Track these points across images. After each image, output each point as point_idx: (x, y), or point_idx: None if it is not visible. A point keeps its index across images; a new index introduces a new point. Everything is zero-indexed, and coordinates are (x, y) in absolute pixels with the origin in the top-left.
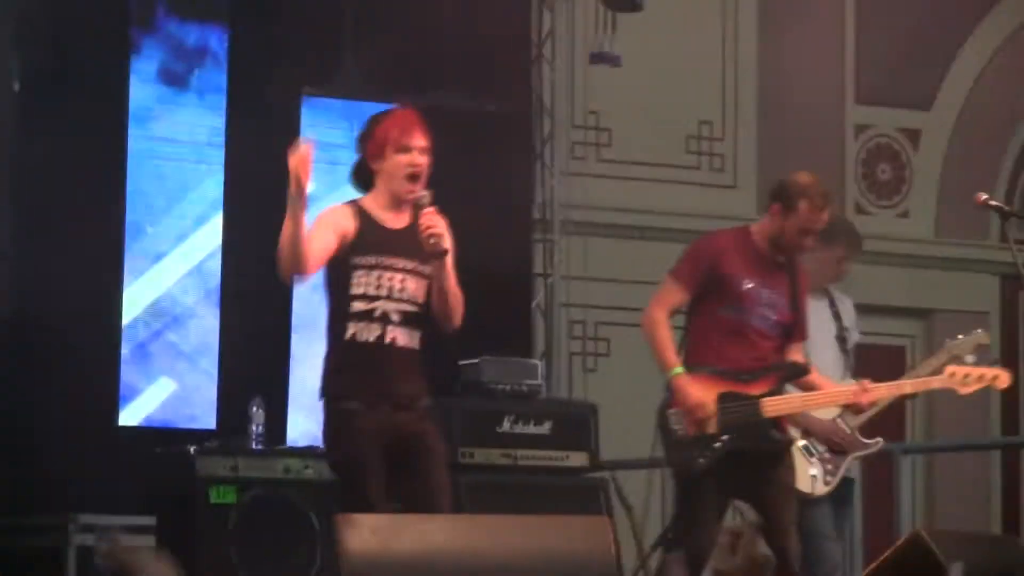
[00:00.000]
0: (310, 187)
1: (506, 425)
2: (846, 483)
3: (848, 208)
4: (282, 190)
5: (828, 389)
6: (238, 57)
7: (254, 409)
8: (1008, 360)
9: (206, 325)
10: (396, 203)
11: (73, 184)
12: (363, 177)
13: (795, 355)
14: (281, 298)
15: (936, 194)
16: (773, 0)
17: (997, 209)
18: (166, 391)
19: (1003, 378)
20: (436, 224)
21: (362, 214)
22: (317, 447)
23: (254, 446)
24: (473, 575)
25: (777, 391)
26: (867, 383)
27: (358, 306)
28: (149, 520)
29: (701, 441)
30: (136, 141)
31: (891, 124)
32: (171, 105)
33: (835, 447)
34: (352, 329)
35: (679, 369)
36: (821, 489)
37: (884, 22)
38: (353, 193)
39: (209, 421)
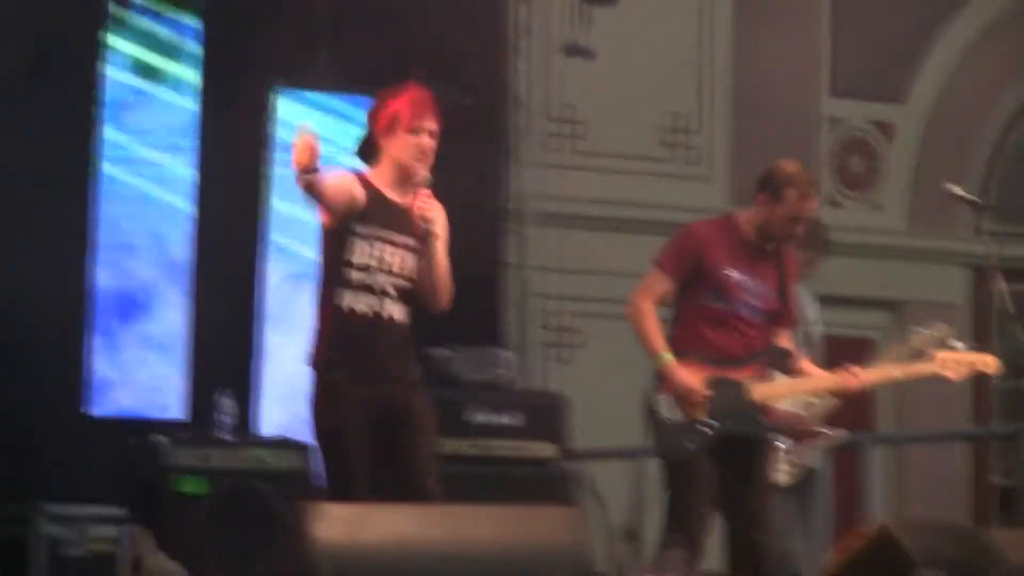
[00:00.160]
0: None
1: (478, 416)
2: (809, 474)
3: (821, 201)
4: (254, 182)
5: (816, 375)
6: (212, 49)
7: (224, 400)
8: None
9: (177, 316)
10: (399, 181)
11: (46, 176)
12: (369, 151)
13: (783, 342)
14: (251, 289)
15: (909, 187)
16: None
17: (969, 202)
18: (136, 381)
19: (992, 364)
20: (429, 207)
21: (368, 185)
22: (287, 438)
23: (223, 437)
24: (443, 565)
25: (765, 377)
26: (856, 369)
27: (355, 275)
28: (119, 511)
29: (690, 426)
30: (110, 133)
31: (865, 117)
32: (145, 97)
33: (797, 438)
34: (347, 299)
35: (668, 355)
36: (782, 480)
37: (858, 16)
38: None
39: (178, 412)
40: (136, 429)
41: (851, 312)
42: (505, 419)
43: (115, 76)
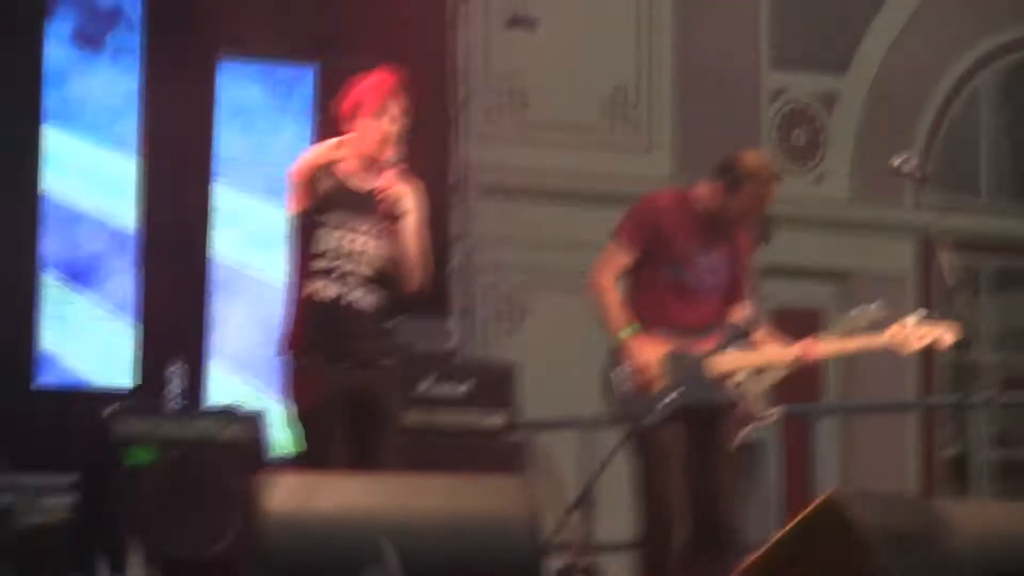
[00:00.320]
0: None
1: (424, 386)
2: (746, 450)
3: None
4: (198, 151)
5: (774, 347)
6: (153, 19)
7: (172, 370)
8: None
9: (124, 286)
10: (366, 165)
11: None
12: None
13: (740, 314)
14: (200, 259)
15: (851, 158)
16: None
17: (910, 176)
18: (86, 351)
19: (947, 337)
20: (396, 185)
21: (333, 174)
22: (236, 408)
23: (172, 407)
24: (392, 535)
25: (722, 349)
26: (812, 340)
27: (319, 264)
28: (67, 480)
29: (650, 398)
30: (51, 103)
31: (806, 89)
32: (85, 67)
33: (736, 424)
34: (311, 286)
35: (628, 330)
36: None
37: None
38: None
39: (127, 382)
40: (85, 399)
41: (798, 283)
42: (454, 389)
43: (58, 45)
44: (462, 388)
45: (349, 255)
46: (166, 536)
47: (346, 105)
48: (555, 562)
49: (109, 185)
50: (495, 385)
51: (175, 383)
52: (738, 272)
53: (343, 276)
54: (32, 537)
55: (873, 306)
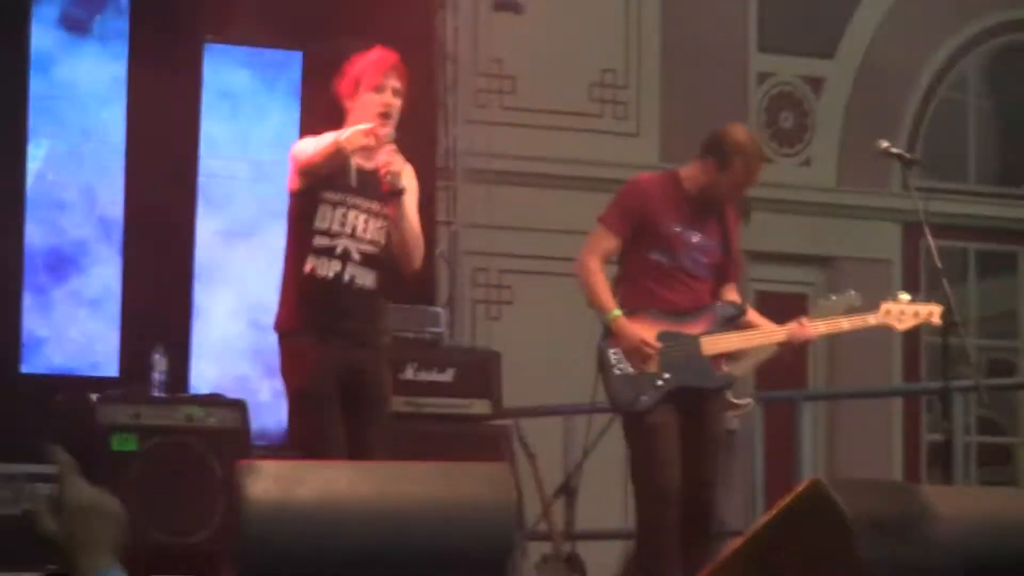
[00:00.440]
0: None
1: (409, 373)
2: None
3: None
4: (183, 137)
5: (765, 328)
6: (140, 3)
7: (156, 357)
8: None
9: (108, 272)
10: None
11: None
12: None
13: (730, 295)
14: (184, 246)
15: (838, 142)
16: None
17: (898, 157)
18: (69, 339)
19: (938, 314)
20: (394, 162)
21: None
22: (220, 395)
23: (156, 394)
24: (375, 522)
25: (715, 330)
26: (804, 320)
27: (320, 241)
28: (50, 468)
29: (644, 379)
30: (37, 87)
31: (794, 72)
32: (72, 51)
33: None
34: (311, 263)
35: (617, 312)
36: None
37: None
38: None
39: (111, 369)
40: (69, 386)
41: (783, 268)
42: (438, 376)
43: (44, 29)
44: (446, 375)
45: (347, 232)
46: (150, 523)
47: (347, 82)
48: (537, 549)
49: (95, 171)
50: (478, 372)
51: (159, 370)
52: (729, 252)
53: (343, 253)
54: (18, 526)
55: (852, 293)
